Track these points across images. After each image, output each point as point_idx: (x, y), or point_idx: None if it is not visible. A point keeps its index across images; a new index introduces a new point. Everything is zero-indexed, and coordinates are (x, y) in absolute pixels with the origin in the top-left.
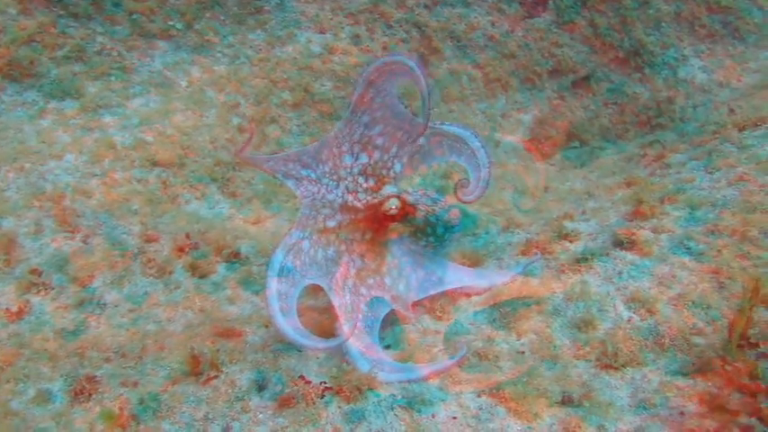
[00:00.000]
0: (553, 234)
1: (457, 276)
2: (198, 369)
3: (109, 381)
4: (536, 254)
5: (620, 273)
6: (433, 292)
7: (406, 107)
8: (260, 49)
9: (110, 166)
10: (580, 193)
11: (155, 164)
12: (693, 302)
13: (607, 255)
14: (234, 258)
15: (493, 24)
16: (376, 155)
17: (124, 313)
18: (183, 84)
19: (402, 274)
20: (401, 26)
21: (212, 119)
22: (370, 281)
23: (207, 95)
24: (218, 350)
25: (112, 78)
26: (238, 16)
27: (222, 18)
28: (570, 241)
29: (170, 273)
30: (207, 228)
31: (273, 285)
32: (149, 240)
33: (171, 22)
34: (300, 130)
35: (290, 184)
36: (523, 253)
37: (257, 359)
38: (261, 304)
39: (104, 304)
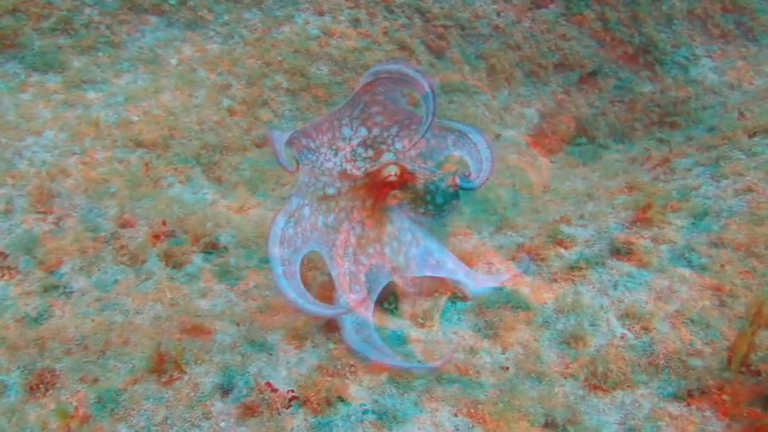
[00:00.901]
0: (547, 239)
1: (454, 267)
2: (161, 367)
3: (68, 375)
4: (524, 258)
5: (615, 284)
6: (429, 274)
7: (407, 103)
8: (255, 29)
9: (90, 144)
10: (581, 194)
11: (138, 144)
12: (692, 320)
13: (603, 264)
14: (211, 248)
15: (498, 14)
16: (375, 130)
17: (90, 302)
18: (174, 62)
19: (402, 247)
20: (403, 11)
21: (201, 99)
22: (371, 250)
23: (197, 75)
24: (184, 348)
25: (99, 53)
26: None
27: None
28: (565, 247)
29: (143, 261)
30: (187, 214)
31: (276, 251)
32: (125, 225)
33: None
34: (293, 115)
35: (291, 151)
36: (514, 258)
37: (224, 361)
38: (234, 299)
39: (71, 292)
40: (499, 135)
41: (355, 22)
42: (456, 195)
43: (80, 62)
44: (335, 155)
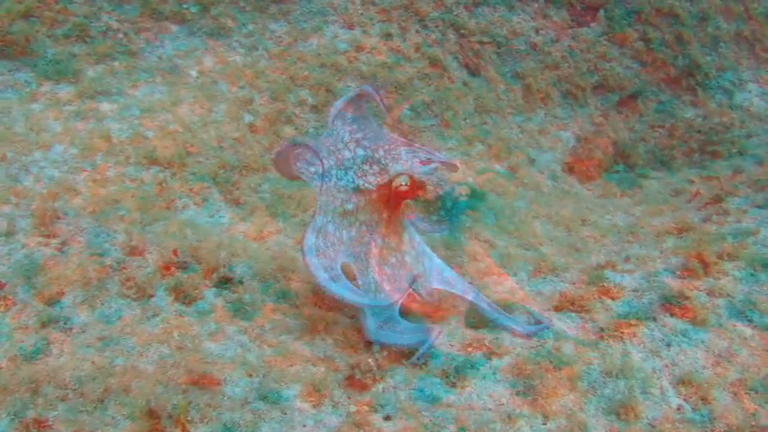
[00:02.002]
0: (591, 286)
1: (464, 288)
2: (159, 426)
3: (62, 426)
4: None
5: (668, 344)
6: (443, 288)
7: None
8: (281, 41)
9: (102, 160)
10: (623, 231)
11: (152, 161)
12: (755, 389)
13: (654, 318)
14: (225, 282)
15: (537, 31)
16: (369, 151)
17: (92, 340)
18: (194, 73)
19: (419, 257)
20: (437, 26)
21: (222, 114)
22: (392, 259)
23: (218, 88)
24: (189, 403)
25: (116, 62)
26: (260, 3)
27: (242, 4)
28: (612, 298)
29: (150, 295)
30: (201, 239)
31: (315, 260)
32: (134, 253)
33: (185, 5)
34: (318, 133)
35: (304, 177)
36: (557, 309)
37: (233, 420)
38: (248, 343)
39: (71, 327)
40: (534, 160)
41: (386, 36)
42: (466, 203)
43: (95, 71)
44: (346, 174)
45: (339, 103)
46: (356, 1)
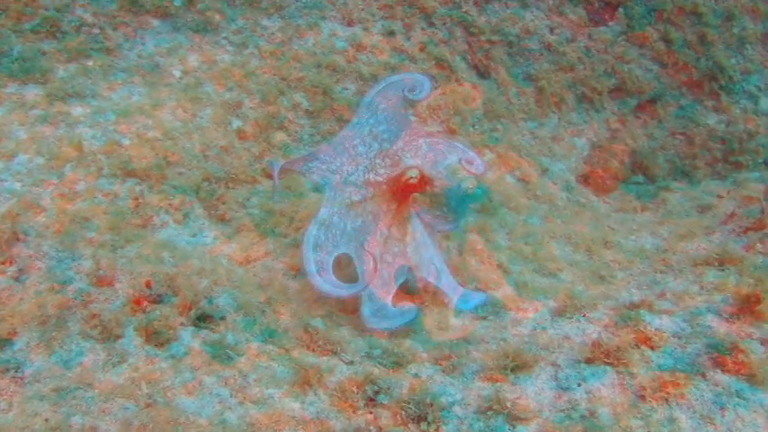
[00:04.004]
0: (627, 333)
1: (448, 284)
2: None
3: None
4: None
5: (722, 408)
6: (430, 280)
7: (406, 110)
8: (274, 38)
9: (71, 171)
10: (651, 256)
11: (128, 173)
12: None
13: (703, 375)
14: (204, 321)
15: (552, 30)
16: (385, 144)
17: (46, 392)
18: (177, 73)
19: (418, 248)
20: (444, 23)
21: (207, 119)
22: (395, 249)
23: (204, 90)
24: None
25: (90, 61)
26: None
27: None
28: (652, 347)
29: (117, 336)
30: (180, 263)
31: (310, 255)
32: (101, 282)
33: None
34: (313, 140)
35: (311, 176)
36: (589, 360)
37: None
38: (228, 399)
39: (22, 375)
40: (546, 170)
41: (389, 34)
42: (472, 197)
43: (66, 71)
44: (356, 169)
45: (379, 88)
46: None
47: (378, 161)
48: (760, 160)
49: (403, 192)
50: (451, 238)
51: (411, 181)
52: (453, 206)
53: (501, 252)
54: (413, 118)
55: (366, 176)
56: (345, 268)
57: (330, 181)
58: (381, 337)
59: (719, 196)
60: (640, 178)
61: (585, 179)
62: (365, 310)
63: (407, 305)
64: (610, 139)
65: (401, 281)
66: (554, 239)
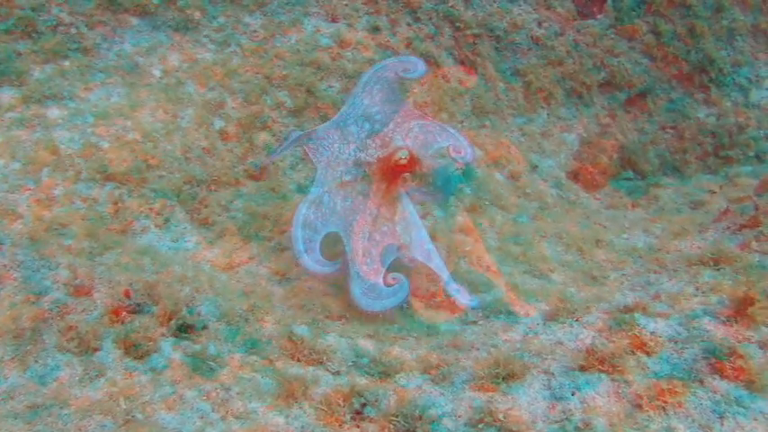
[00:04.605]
0: (622, 338)
1: (438, 265)
2: None
3: None
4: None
5: (721, 417)
6: (421, 259)
7: (401, 93)
8: (256, 36)
9: (48, 176)
10: (644, 255)
11: (107, 176)
12: None
13: (701, 382)
14: (186, 332)
15: (540, 24)
16: (377, 126)
17: (21, 409)
18: (157, 73)
19: (408, 227)
20: (430, 18)
21: (188, 120)
22: (384, 228)
23: (185, 89)
24: None
25: (67, 61)
26: None
27: None
28: (647, 353)
29: (95, 349)
30: (161, 270)
31: (299, 232)
32: (78, 292)
33: None
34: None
35: (305, 150)
36: (583, 368)
37: None
38: (210, 414)
39: None
40: (536, 167)
41: (374, 30)
42: (460, 177)
43: (42, 72)
44: (348, 147)
45: (374, 70)
46: None
47: (369, 142)
48: (751, 154)
49: (393, 172)
50: (439, 237)
51: (401, 162)
52: (438, 184)
53: (491, 253)
54: (407, 101)
55: (357, 156)
56: (334, 247)
57: (322, 159)
58: (374, 319)
59: (711, 192)
60: (630, 174)
61: (575, 175)
62: (355, 289)
63: (398, 281)
64: (600, 134)
65: (390, 260)
66: (545, 239)
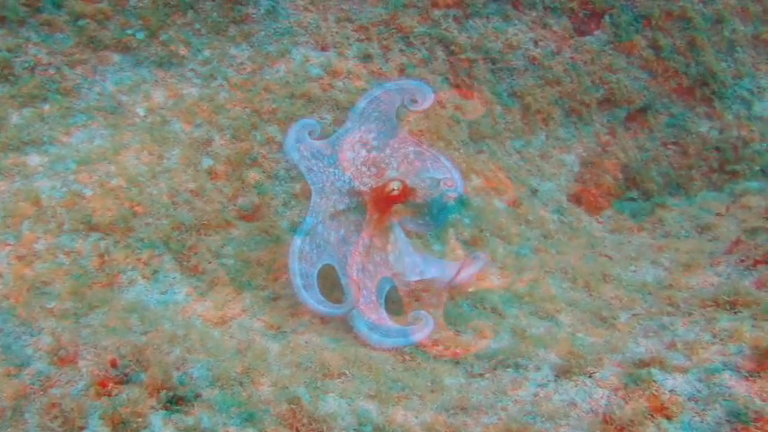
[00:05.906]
0: (639, 399)
1: (437, 273)
2: None
3: None
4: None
5: None
6: (417, 279)
7: (398, 119)
8: (243, 68)
9: (29, 229)
10: (654, 291)
11: (91, 227)
12: None
13: None
14: (177, 403)
15: (536, 43)
16: (373, 152)
17: None
18: (141, 111)
19: (401, 255)
20: (423, 43)
21: (175, 161)
22: (377, 258)
23: (171, 128)
24: None
25: (46, 105)
26: (217, 24)
27: (196, 26)
28: (668, 417)
29: (80, 428)
30: (149, 329)
31: (296, 266)
32: (62, 361)
33: (129, 30)
34: (289, 176)
35: (302, 170)
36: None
37: None
38: None
39: None
40: (536, 190)
41: (366, 58)
42: (452, 208)
43: (21, 117)
44: (343, 174)
45: (374, 95)
46: (329, 18)
47: (364, 169)
48: (757, 168)
49: (385, 202)
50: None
51: (393, 193)
52: (431, 215)
53: (495, 294)
54: (400, 128)
55: (351, 184)
56: (329, 278)
57: (317, 182)
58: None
59: (718, 214)
60: (634, 194)
61: (577, 198)
62: (361, 326)
63: (405, 327)
64: (600, 153)
65: (385, 293)
66: (549, 274)
